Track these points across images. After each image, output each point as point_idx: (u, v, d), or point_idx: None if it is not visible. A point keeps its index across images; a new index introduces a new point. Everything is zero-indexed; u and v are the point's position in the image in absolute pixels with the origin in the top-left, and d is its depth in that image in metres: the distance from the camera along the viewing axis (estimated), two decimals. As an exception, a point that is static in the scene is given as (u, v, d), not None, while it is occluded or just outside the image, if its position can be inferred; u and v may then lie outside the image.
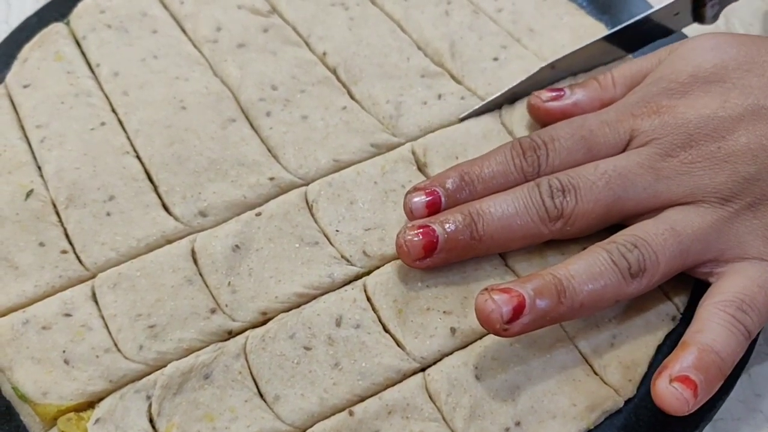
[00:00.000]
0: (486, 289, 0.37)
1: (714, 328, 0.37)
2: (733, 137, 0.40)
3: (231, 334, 0.41)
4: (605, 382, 0.40)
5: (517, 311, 0.36)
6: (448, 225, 0.40)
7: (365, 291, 0.42)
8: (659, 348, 0.41)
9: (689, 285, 0.43)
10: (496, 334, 0.37)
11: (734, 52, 0.42)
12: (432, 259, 0.41)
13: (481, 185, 0.42)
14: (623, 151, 0.42)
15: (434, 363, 0.40)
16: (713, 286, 0.40)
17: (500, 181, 0.42)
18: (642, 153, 0.41)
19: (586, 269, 0.38)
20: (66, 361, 0.39)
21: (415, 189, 0.42)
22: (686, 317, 0.42)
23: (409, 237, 0.40)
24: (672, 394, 0.36)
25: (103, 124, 0.49)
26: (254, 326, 0.41)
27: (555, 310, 0.37)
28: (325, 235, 0.44)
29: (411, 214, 0.42)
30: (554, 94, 0.47)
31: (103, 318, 0.41)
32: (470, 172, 0.42)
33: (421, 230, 0.40)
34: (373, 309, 0.41)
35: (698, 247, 0.39)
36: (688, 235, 0.39)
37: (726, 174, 0.40)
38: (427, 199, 0.42)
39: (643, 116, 0.42)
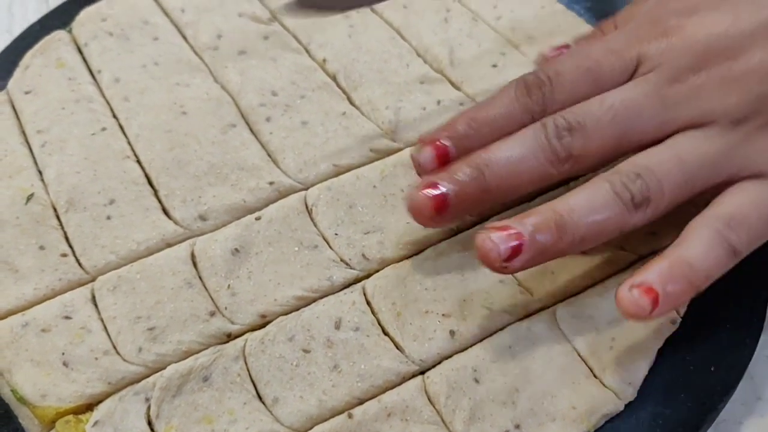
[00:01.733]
0: (485, 227, 0.37)
1: (693, 240, 0.37)
2: (745, 56, 0.39)
3: (230, 337, 0.41)
4: (605, 385, 0.39)
5: (516, 249, 0.36)
6: (455, 181, 0.39)
7: (364, 294, 0.42)
8: (659, 351, 0.41)
9: (689, 288, 0.43)
10: (496, 271, 0.37)
11: None
12: (443, 217, 0.40)
13: (488, 129, 0.41)
14: (631, 78, 0.41)
15: (433, 366, 0.40)
16: (711, 202, 0.39)
17: (508, 123, 0.41)
18: (649, 80, 0.40)
19: (587, 202, 0.37)
20: (65, 364, 0.39)
21: (423, 143, 0.41)
22: (686, 321, 0.42)
23: (419, 199, 0.39)
24: (629, 300, 0.36)
25: (104, 129, 0.49)
26: (253, 329, 0.41)
27: (555, 246, 0.37)
28: (325, 239, 0.44)
29: (421, 169, 0.41)
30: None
31: (102, 320, 0.41)
32: (477, 118, 0.41)
33: (430, 191, 0.39)
34: (372, 312, 0.41)
35: (705, 172, 0.38)
36: (694, 162, 0.38)
37: (737, 94, 0.38)
38: (435, 153, 0.41)
39: (650, 40, 0.40)
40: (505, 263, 0.36)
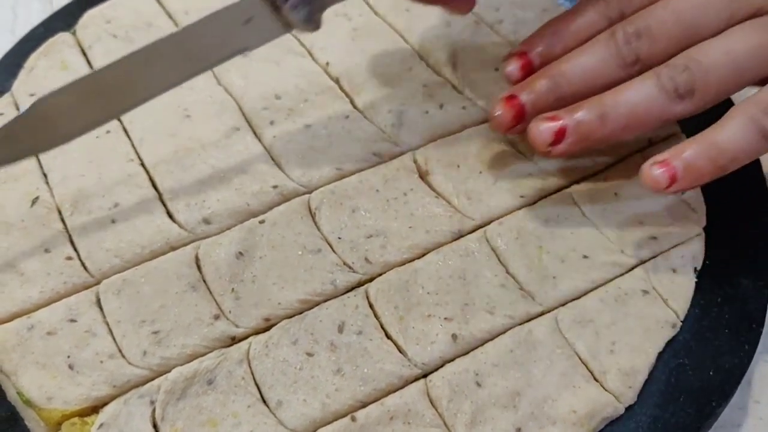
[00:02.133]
0: (539, 117, 0.42)
1: (726, 123, 0.40)
2: None
3: (234, 340, 0.41)
4: (605, 389, 0.40)
5: (560, 134, 0.41)
6: (533, 92, 0.43)
7: (367, 298, 0.42)
8: (659, 355, 0.41)
9: (689, 293, 0.44)
10: (544, 155, 0.43)
11: None
12: (523, 124, 0.44)
13: (571, 38, 0.44)
14: None
15: (435, 369, 0.40)
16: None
17: (588, 31, 0.44)
18: None
19: (633, 94, 0.41)
20: (70, 367, 0.40)
21: (509, 56, 0.46)
22: (686, 325, 0.43)
23: (499, 111, 0.44)
24: (647, 174, 0.40)
25: (107, 132, 0.49)
26: (257, 332, 0.41)
27: (597, 132, 0.41)
28: (328, 243, 0.44)
29: (508, 80, 0.46)
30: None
31: (107, 324, 0.41)
32: (560, 29, 0.45)
33: (509, 102, 0.44)
34: (375, 315, 0.42)
35: (754, 62, 0.40)
36: (742, 52, 0.40)
37: None
38: (520, 63, 0.45)
39: None
40: (551, 146, 0.42)
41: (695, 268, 0.45)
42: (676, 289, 0.43)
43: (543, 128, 0.42)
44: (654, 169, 0.40)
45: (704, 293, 0.44)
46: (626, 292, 0.43)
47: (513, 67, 0.46)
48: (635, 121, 0.41)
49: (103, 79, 0.42)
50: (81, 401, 0.39)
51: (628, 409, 0.40)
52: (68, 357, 0.40)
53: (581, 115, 0.42)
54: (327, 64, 0.53)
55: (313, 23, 0.44)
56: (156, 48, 0.42)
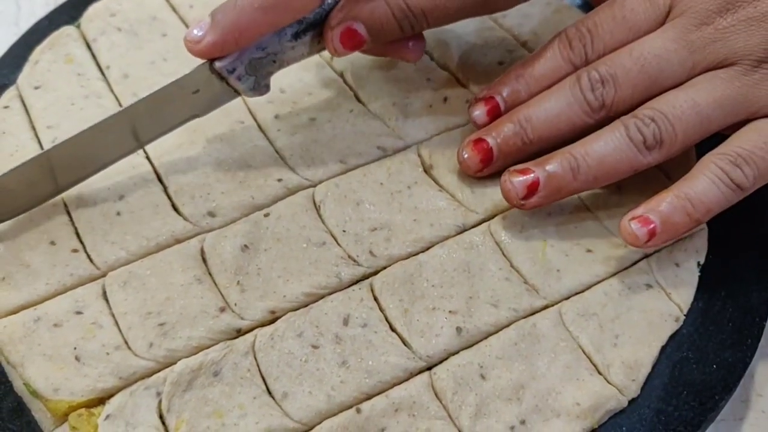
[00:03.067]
0: (509, 170, 0.43)
1: (698, 177, 0.41)
2: None
3: (240, 333, 0.41)
4: (609, 382, 0.40)
5: (532, 188, 0.42)
6: (499, 136, 0.45)
7: (372, 291, 0.42)
8: (663, 349, 0.42)
9: (692, 288, 0.44)
10: (518, 207, 0.43)
11: None
12: (491, 167, 0.45)
13: (535, 83, 0.45)
14: (663, 23, 0.43)
15: (440, 362, 0.41)
16: (725, 140, 0.42)
17: (552, 75, 0.45)
18: (677, 25, 0.42)
19: (601, 145, 0.42)
20: (77, 358, 0.40)
21: (476, 101, 0.47)
22: (689, 319, 0.43)
23: (467, 154, 0.45)
24: (627, 230, 0.41)
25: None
26: (263, 325, 0.41)
27: (570, 185, 0.42)
28: (332, 236, 0.44)
29: (476, 125, 0.47)
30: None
31: (113, 316, 0.41)
32: (524, 73, 0.46)
33: (477, 145, 0.45)
34: (380, 308, 0.42)
35: (721, 113, 0.41)
36: (709, 104, 0.41)
37: (761, 35, 0.41)
38: (486, 107, 0.46)
39: None
40: (523, 200, 0.42)
41: (698, 263, 0.45)
42: (679, 283, 0.44)
43: (516, 182, 0.43)
44: (633, 225, 0.40)
45: (707, 287, 0.44)
46: (630, 286, 0.43)
47: (479, 112, 0.46)
48: (605, 172, 0.42)
49: (55, 156, 0.43)
50: (87, 392, 0.39)
51: (632, 402, 0.40)
52: (75, 349, 0.40)
53: (552, 167, 0.42)
54: (331, 57, 0.53)
55: (261, 89, 0.45)
56: (107, 123, 0.43)
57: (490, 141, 0.45)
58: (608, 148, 0.42)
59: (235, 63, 0.43)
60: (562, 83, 0.44)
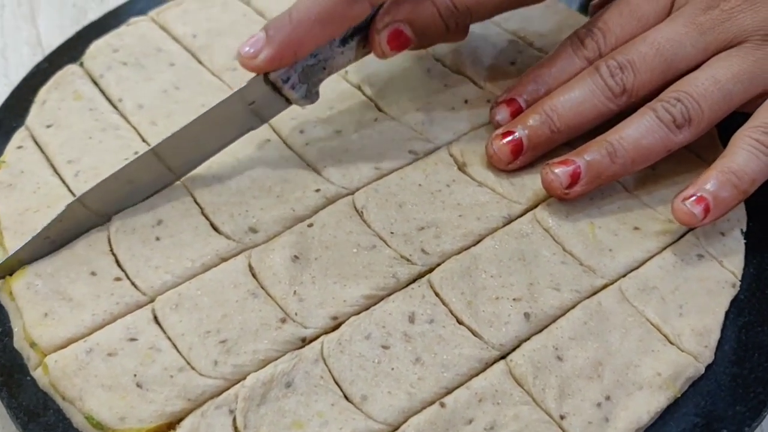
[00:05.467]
0: (548, 163, 0.44)
1: (736, 151, 0.42)
2: None
3: (305, 342, 0.40)
4: (683, 350, 0.40)
5: (575, 177, 0.43)
6: (528, 126, 0.45)
7: (432, 287, 0.42)
8: (726, 314, 0.42)
9: (741, 254, 0.44)
10: (561, 198, 0.44)
11: None
12: (522, 159, 0.46)
13: (553, 81, 0.46)
14: (669, 14, 0.45)
15: (513, 349, 0.40)
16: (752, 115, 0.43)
17: (569, 72, 0.46)
18: (684, 12, 0.44)
19: (634, 129, 0.43)
20: (139, 385, 0.38)
21: (497, 103, 0.47)
22: (743, 285, 0.43)
23: (497, 145, 0.45)
24: (683, 211, 0.41)
25: (136, 153, 0.47)
26: (326, 332, 0.40)
27: (609, 169, 0.43)
28: (381, 238, 0.44)
29: (499, 125, 0.47)
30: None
31: (170, 339, 0.39)
32: (542, 73, 0.47)
33: (506, 137, 0.45)
34: (443, 303, 0.41)
35: (740, 87, 0.42)
36: (729, 79, 0.42)
37: (766, 9, 0.42)
38: (510, 109, 0.47)
39: None
40: (567, 189, 0.43)
41: (741, 230, 0.45)
42: (728, 251, 0.44)
43: (559, 172, 0.43)
44: (687, 204, 0.41)
45: (755, 253, 0.44)
46: (683, 258, 0.43)
47: (502, 115, 0.47)
48: (641, 154, 0.43)
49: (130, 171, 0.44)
50: (156, 418, 0.37)
51: (707, 368, 0.40)
52: (135, 376, 0.38)
53: (591, 155, 0.43)
54: (346, 72, 0.53)
55: (312, 97, 0.46)
56: (180, 134, 0.44)
57: (519, 132, 0.45)
58: (641, 130, 0.43)
59: (289, 72, 0.43)
60: (582, 74, 0.45)
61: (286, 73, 0.43)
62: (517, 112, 0.47)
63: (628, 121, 0.43)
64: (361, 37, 0.45)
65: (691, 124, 0.42)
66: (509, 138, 0.45)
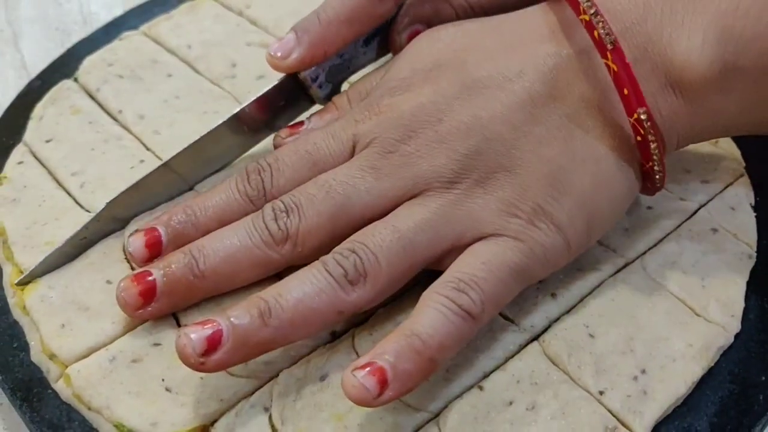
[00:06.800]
0: (183, 326, 0.37)
1: (423, 311, 0.35)
2: (448, 117, 0.38)
3: (335, 336, 0.39)
4: (710, 321, 0.40)
5: (214, 342, 0.34)
6: (165, 267, 0.38)
7: (456, 274, 0.41)
8: (747, 284, 0.42)
9: (753, 227, 0.45)
10: (196, 369, 0.34)
11: (451, 38, 0.41)
12: (154, 306, 0.38)
13: (204, 217, 0.40)
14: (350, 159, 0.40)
15: (544, 331, 0.40)
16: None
17: (227, 211, 0.40)
18: (363, 156, 0.39)
19: (297, 286, 0.35)
20: (168, 389, 0.37)
21: (135, 231, 0.40)
22: (759, 257, 0.44)
23: (124, 286, 0.38)
24: (351, 384, 0.32)
25: (142, 161, 0.47)
26: (354, 325, 0.40)
27: (259, 332, 0.34)
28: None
29: (132, 260, 0.40)
30: (294, 129, 0.45)
31: (196, 341, 0.38)
32: (192, 205, 0.40)
33: (136, 277, 0.38)
34: (469, 289, 0.41)
35: (424, 237, 0.37)
36: (410, 228, 0.37)
37: (444, 155, 0.38)
38: (145, 240, 0.39)
39: (365, 120, 0.40)
40: (202, 357, 0.34)
41: (750, 204, 0.46)
42: (740, 224, 0.44)
43: (194, 336, 0.34)
44: (358, 377, 0.32)
45: (765, 226, 0.45)
46: (698, 233, 0.44)
47: (137, 244, 0.39)
48: (303, 316, 0.35)
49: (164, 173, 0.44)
50: (189, 421, 0.36)
51: (735, 337, 0.40)
52: (162, 380, 0.37)
53: (237, 314, 0.35)
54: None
55: (331, 96, 0.46)
56: (210, 136, 0.44)
57: (154, 272, 0.38)
58: (305, 287, 0.35)
59: (318, 71, 0.44)
60: (245, 217, 0.39)
61: (314, 72, 0.44)
62: (153, 245, 0.39)
63: (292, 276, 0.36)
64: (381, 37, 0.46)
65: (367, 279, 0.36)
66: (141, 277, 0.38)
